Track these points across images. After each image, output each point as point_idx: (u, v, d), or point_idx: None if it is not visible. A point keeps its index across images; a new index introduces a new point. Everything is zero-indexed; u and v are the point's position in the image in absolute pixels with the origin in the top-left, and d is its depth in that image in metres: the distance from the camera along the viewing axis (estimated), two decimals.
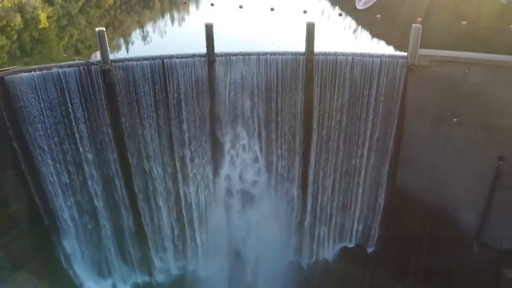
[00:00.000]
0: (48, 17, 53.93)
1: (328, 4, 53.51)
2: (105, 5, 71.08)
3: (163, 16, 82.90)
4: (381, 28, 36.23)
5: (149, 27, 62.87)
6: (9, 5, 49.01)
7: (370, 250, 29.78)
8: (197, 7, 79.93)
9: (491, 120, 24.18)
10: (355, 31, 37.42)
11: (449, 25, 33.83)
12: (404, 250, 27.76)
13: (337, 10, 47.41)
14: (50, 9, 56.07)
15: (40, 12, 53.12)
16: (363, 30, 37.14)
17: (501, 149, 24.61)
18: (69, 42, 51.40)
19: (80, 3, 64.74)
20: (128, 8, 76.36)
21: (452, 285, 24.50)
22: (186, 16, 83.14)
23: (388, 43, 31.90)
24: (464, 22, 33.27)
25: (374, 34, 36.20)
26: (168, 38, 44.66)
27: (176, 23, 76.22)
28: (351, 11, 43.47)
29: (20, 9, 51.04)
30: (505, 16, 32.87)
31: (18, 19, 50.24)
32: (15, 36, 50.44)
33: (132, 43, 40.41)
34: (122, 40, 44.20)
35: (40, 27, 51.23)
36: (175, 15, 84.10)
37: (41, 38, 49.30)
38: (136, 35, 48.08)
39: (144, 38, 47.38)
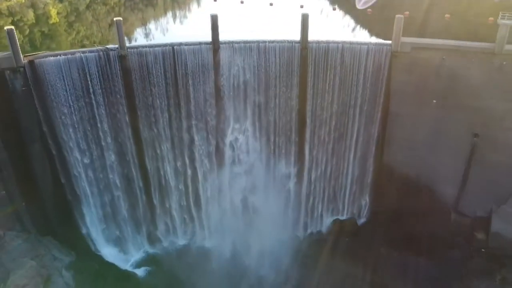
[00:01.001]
0: (57, 13, 56.83)
1: (325, 1, 56.32)
2: (110, 2, 73.90)
3: (165, 13, 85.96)
4: (372, 22, 39.07)
5: (151, 24, 65.62)
6: (23, 0, 51.91)
7: (360, 221, 32.65)
8: (199, 4, 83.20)
9: (466, 101, 27.02)
10: (348, 24, 40.27)
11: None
12: (391, 220, 30.62)
13: (333, 6, 50.25)
14: (60, 5, 58.97)
15: (51, 8, 56.08)
16: (355, 23, 40.00)
17: (475, 127, 27.45)
18: (76, 38, 54.28)
19: (87, 0, 67.59)
20: (132, 6, 79.13)
21: (432, 248, 27.21)
22: (188, 14, 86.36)
23: (378, 34, 34.75)
24: (448, 15, 36.21)
25: (366, 27, 39.15)
26: (171, 34, 47.09)
27: (178, 20, 79.29)
28: (347, 7, 46.30)
29: (33, 4, 53.96)
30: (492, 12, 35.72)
31: (31, 14, 53.26)
32: (27, 31, 53.46)
33: (136, 40, 42.88)
34: (125, 37, 46.23)
35: (51, 22, 54.12)
36: (178, 12, 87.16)
37: (50, 33, 52.15)
38: (139, 31, 50.64)
39: (147, 35, 49.96)
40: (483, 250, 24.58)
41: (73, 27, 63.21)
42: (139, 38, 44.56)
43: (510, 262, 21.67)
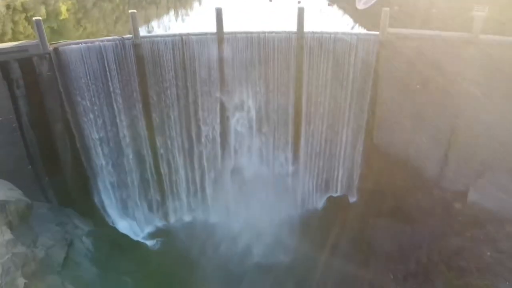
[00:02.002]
0: (67, 10, 59.84)
1: None
2: (116, 0, 77.03)
3: (168, 11, 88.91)
4: (365, 16, 42.05)
5: (154, 22, 68.64)
6: None
7: (352, 198, 35.54)
8: (200, 2, 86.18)
9: (446, 86, 29.82)
10: (341, 17, 43.25)
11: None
12: (379, 196, 33.47)
13: (329, 2, 53.30)
14: (69, 2, 62.03)
15: (61, 4, 59.11)
16: (348, 17, 43.04)
17: (455, 110, 30.27)
18: (83, 34, 57.35)
19: None
20: (136, 3, 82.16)
21: (415, 217, 30.05)
22: (190, 12, 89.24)
23: (369, 26, 37.71)
24: (434, 10, 39.16)
25: (357, 21, 42.24)
26: (174, 31, 49.95)
27: (180, 18, 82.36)
28: (341, 4, 49.31)
29: (44, 1, 56.94)
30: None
31: (43, 11, 56.29)
32: None
33: None
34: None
35: (61, 18, 57.13)
36: (180, 11, 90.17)
37: (59, 29, 55.16)
38: (142, 29, 53.63)
39: (150, 32, 52.85)
40: (459, 218, 27.45)
41: (81, 23, 66.35)
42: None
43: (479, 225, 24.59)
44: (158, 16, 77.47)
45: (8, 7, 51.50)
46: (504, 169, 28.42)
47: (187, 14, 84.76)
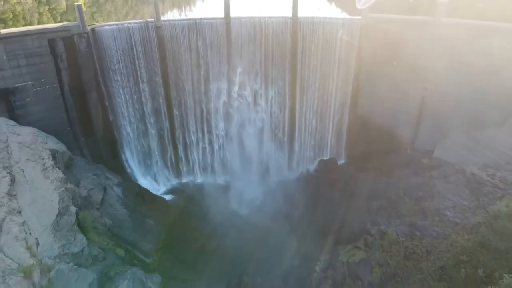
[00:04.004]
0: (83, 4, 65.57)
1: None
2: None
3: (173, 7, 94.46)
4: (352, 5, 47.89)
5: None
6: None
7: (340, 161, 41.32)
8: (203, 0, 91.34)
9: (417, 62, 35.36)
10: (331, 6, 49.04)
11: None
12: (362, 158, 39.33)
13: None
14: None
15: None
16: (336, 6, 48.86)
17: (425, 82, 35.98)
18: None
19: None
20: (142, 0, 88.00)
21: (390, 172, 35.69)
22: (193, 8, 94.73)
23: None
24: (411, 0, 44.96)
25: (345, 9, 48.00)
26: None
27: (183, 14, 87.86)
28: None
29: None
30: None
31: (63, 4, 62.02)
32: (59, 19, 62.36)
33: None
34: None
35: None
36: (184, 7, 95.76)
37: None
38: None
39: None
40: (426, 170, 33.15)
41: (94, 17, 72.35)
42: None
43: (437, 169, 30.51)
44: (164, 12, 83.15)
45: None
46: (464, 130, 34.03)
47: (190, 10, 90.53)
